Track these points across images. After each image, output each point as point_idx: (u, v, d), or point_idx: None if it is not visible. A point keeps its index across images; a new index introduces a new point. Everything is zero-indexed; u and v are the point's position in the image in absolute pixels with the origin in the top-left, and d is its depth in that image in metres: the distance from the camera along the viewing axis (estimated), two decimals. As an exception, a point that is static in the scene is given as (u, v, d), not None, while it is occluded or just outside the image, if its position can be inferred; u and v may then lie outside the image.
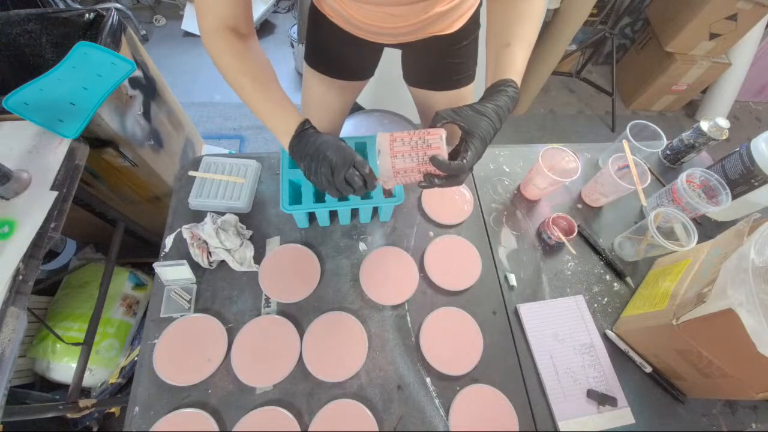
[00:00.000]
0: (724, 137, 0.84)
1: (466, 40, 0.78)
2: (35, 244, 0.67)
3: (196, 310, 0.68)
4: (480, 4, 0.76)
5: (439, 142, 0.49)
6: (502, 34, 0.56)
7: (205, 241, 0.69)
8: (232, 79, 0.56)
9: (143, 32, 2.21)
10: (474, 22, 0.77)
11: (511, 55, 0.54)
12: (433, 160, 0.48)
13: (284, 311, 0.69)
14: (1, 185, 0.67)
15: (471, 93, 0.92)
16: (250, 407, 0.60)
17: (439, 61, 0.81)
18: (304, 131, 0.54)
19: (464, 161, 0.48)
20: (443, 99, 0.90)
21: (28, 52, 0.98)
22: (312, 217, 0.78)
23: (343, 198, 0.68)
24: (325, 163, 0.51)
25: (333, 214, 0.78)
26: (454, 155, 0.52)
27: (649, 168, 0.79)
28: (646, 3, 2.14)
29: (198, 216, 0.75)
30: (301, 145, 0.54)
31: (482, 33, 0.72)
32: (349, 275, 0.73)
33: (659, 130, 0.86)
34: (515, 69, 0.53)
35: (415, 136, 0.50)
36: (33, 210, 0.69)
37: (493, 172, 0.89)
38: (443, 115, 0.50)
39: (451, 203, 0.82)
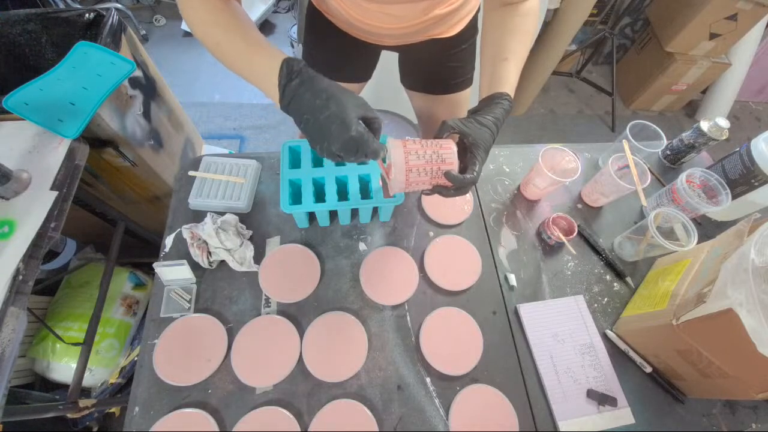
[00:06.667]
0: (724, 137, 0.84)
1: (464, 43, 0.78)
2: (35, 244, 0.67)
3: (196, 310, 0.68)
4: (479, 9, 0.75)
5: (453, 157, 0.51)
6: (497, 48, 0.58)
7: (205, 241, 0.69)
8: (210, 45, 0.50)
9: (143, 32, 2.21)
10: (473, 26, 0.77)
11: (506, 69, 0.56)
12: (448, 175, 0.50)
13: (284, 311, 0.69)
14: (1, 185, 0.67)
15: (468, 97, 0.91)
16: (250, 407, 0.60)
17: (437, 64, 0.81)
18: (290, 83, 0.46)
19: (474, 173, 0.50)
20: (441, 103, 0.89)
21: (28, 52, 0.98)
22: (312, 217, 0.78)
23: (343, 198, 0.68)
24: (329, 148, 0.45)
25: (333, 214, 0.77)
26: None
27: (649, 168, 0.79)
28: (646, 3, 2.13)
29: (198, 216, 0.75)
30: (293, 107, 0.46)
31: (478, 38, 0.72)
32: (349, 275, 0.73)
33: (659, 130, 0.86)
34: (509, 83, 0.56)
35: (429, 149, 0.51)
36: (33, 210, 0.69)
37: (493, 172, 0.89)
38: (451, 124, 0.51)
39: (451, 203, 0.82)
